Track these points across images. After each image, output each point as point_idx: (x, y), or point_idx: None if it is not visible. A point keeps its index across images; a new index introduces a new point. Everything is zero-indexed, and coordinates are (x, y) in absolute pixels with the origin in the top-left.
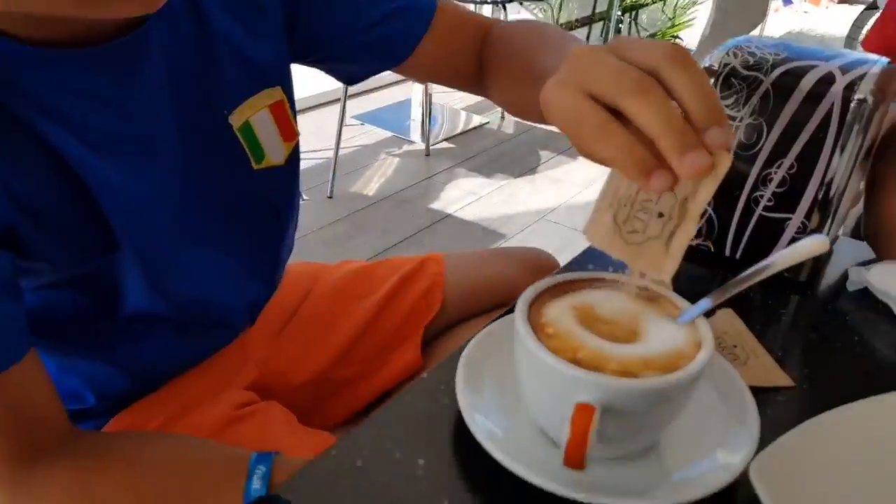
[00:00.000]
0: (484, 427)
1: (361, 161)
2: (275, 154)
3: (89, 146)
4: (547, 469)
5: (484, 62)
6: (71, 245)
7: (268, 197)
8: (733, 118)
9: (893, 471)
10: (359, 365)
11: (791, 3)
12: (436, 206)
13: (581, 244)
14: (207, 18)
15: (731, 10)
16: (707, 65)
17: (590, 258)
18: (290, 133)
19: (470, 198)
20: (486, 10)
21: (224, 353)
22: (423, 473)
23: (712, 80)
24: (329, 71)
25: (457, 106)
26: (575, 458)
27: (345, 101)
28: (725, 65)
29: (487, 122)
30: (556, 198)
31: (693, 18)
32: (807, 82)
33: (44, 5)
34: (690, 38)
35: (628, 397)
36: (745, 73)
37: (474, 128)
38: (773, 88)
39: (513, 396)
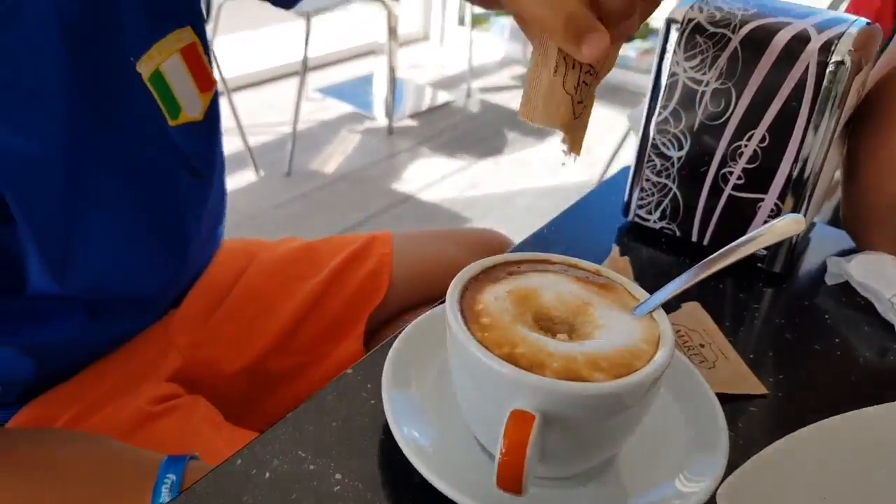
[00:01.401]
0: (411, 437)
1: (321, 137)
2: (191, 108)
3: None
4: (480, 490)
5: None
6: None
7: (185, 157)
8: (699, 82)
9: (876, 491)
10: (297, 355)
11: None
12: (397, 186)
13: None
14: None
15: None
16: (668, 16)
17: (542, 241)
18: (206, 82)
19: (432, 179)
20: None
21: (143, 338)
22: (340, 490)
23: (674, 37)
24: None
25: (421, 82)
26: (510, 478)
27: (304, 74)
28: (690, 20)
29: (453, 101)
30: (521, 181)
31: None
32: (779, 40)
33: None
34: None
35: (573, 405)
36: (712, 29)
37: (439, 106)
38: (742, 48)
39: (448, 401)
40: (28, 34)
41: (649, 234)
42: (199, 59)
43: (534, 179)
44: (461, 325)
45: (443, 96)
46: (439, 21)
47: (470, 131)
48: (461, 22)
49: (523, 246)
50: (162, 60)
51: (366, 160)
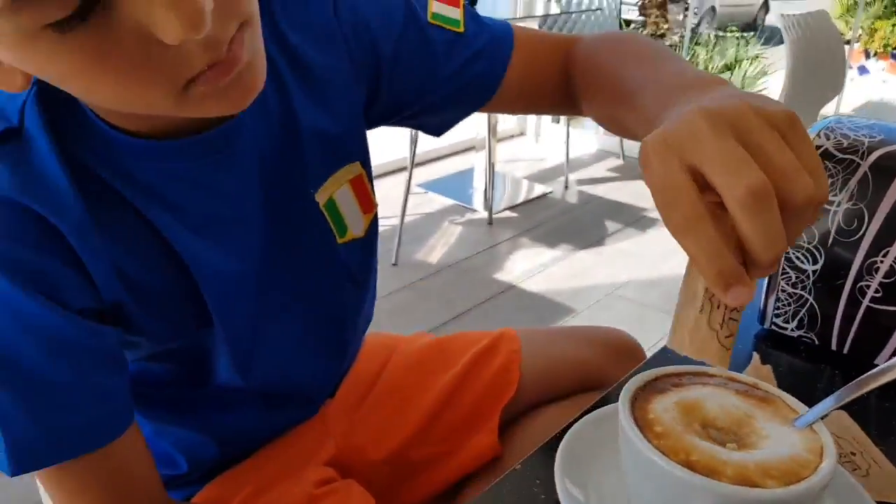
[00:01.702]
0: None
1: (425, 229)
2: (356, 226)
3: (188, 227)
4: None
5: (570, 81)
6: (169, 321)
7: (349, 268)
8: (830, 202)
9: None
10: (435, 445)
11: (867, 72)
12: (499, 276)
13: (655, 322)
14: (292, 105)
15: (807, 81)
16: None
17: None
18: (368, 205)
19: (534, 269)
20: None
21: (306, 426)
22: None
23: None
24: (415, 126)
25: (519, 175)
26: None
27: (412, 170)
28: (818, 147)
29: (551, 192)
30: (625, 272)
31: (764, 89)
32: None
33: (146, 107)
34: None
35: None
36: (840, 155)
37: (537, 197)
38: (872, 172)
39: (618, 497)
40: (236, 174)
41: (787, 341)
42: (364, 188)
43: (638, 270)
44: (638, 433)
45: (540, 188)
46: (534, 118)
47: (569, 222)
48: (555, 120)
49: (660, 355)
50: (335, 190)
51: (468, 250)
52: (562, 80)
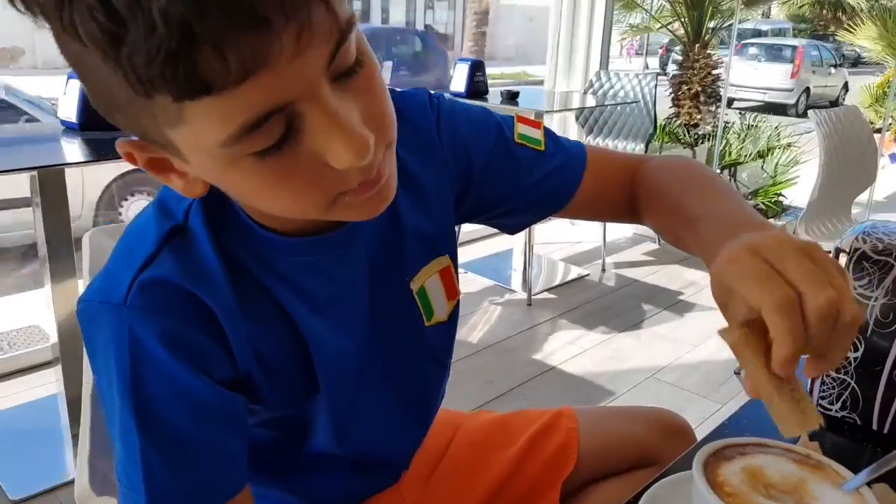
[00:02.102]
0: None
1: (465, 308)
2: (440, 311)
3: (310, 308)
4: None
5: (635, 198)
6: (286, 390)
7: (432, 349)
8: (868, 297)
9: None
10: None
11: None
12: (539, 357)
13: (695, 405)
14: (397, 208)
15: (840, 171)
16: (837, 246)
17: (735, 426)
18: (453, 292)
19: (573, 350)
20: None
21: (385, 494)
22: None
23: (843, 262)
24: (492, 225)
25: (556, 257)
26: None
27: None
28: (856, 249)
29: (588, 274)
30: (664, 356)
31: (797, 177)
32: None
33: (300, 213)
34: (793, 195)
35: None
36: (876, 257)
37: (575, 279)
38: None
39: None
40: (352, 265)
41: (832, 421)
42: (451, 277)
43: (677, 354)
44: (712, 492)
45: (578, 270)
46: None
47: (607, 305)
48: None
49: (715, 434)
50: (426, 279)
51: (508, 331)
52: (627, 197)
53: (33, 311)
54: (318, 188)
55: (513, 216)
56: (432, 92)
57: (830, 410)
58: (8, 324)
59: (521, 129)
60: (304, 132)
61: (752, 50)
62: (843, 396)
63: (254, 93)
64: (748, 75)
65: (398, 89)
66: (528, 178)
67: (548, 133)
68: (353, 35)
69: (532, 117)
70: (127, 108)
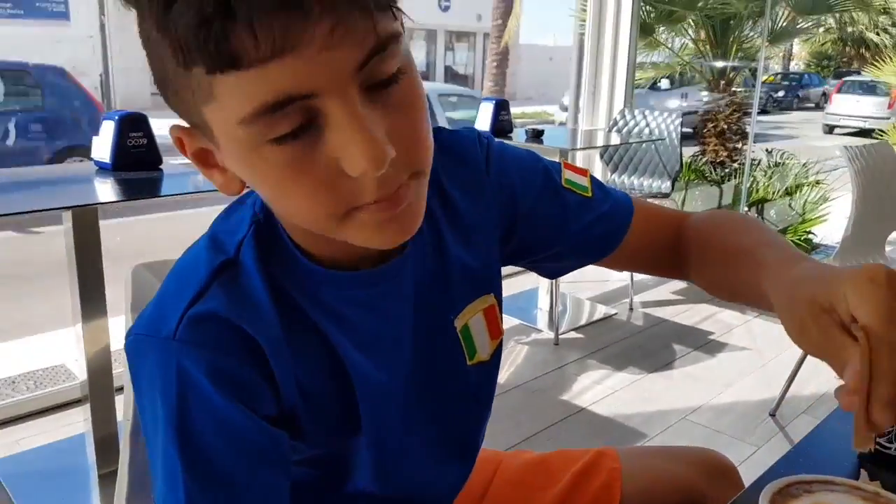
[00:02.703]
0: None
1: None
2: (483, 350)
3: (355, 343)
4: None
5: (682, 250)
6: (328, 427)
7: (474, 388)
8: None
9: None
10: None
11: None
12: (567, 397)
13: (729, 448)
14: (443, 244)
15: (873, 207)
16: None
17: (789, 464)
18: (496, 332)
19: (603, 391)
20: None
21: None
22: None
23: None
24: (532, 268)
25: (583, 296)
26: None
27: None
28: None
29: (616, 314)
30: (696, 396)
31: (826, 214)
32: None
33: (313, 222)
34: (824, 233)
35: None
36: None
37: (602, 318)
38: None
39: None
40: (398, 300)
41: (891, 460)
42: (495, 316)
43: (709, 395)
44: None
45: (605, 310)
46: None
47: (636, 345)
48: None
49: (769, 473)
50: (470, 317)
51: (535, 371)
52: (672, 249)
53: (56, 350)
54: (332, 193)
55: (556, 261)
56: (481, 131)
57: (889, 449)
58: (34, 363)
59: (567, 174)
60: (325, 129)
61: (850, 86)
62: None
63: (279, 75)
64: (850, 106)
65: (448, 128)
66: (575, 224)
67: (594, 181)
68: (397, 51)
69: (557, 156)
70: (174, 82)
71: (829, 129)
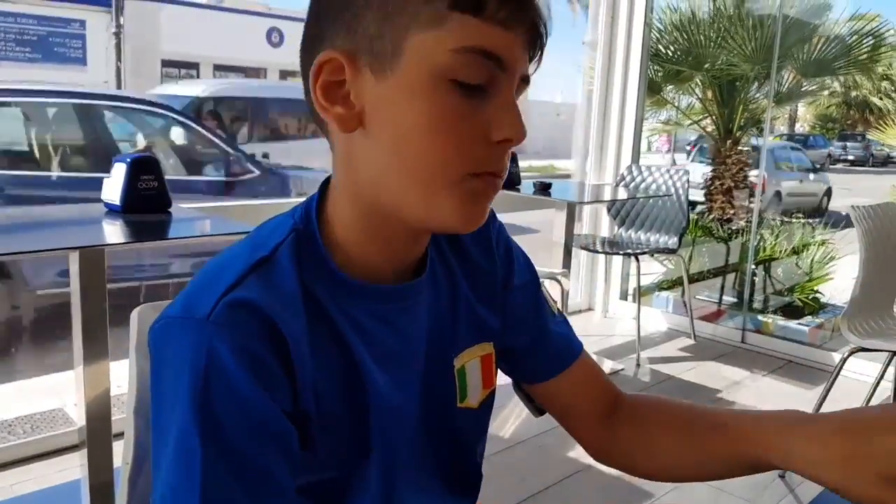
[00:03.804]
0: None
1: (497, 401)
2: (473, 397)
3: (374, 357)
4: None
5: (617, 420)
6: (337, 444)
7: (463, 433)
8: None
9: None
10: None
11: None
12: (573, 454)
13: None
14: (456, 287)
15: (881, 268)
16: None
17: None
18: (489, 382)
19: None
20: (617, 261)
21: None
22: None
23: None
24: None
25: (589, 350)
26: None
27: None
28: None
29: (622, 369)
30: None
31: (832, 272)
32: None
33: (429, 183)
34: (830, 292)
35: None
36: None
37: (609, 374)
38: None
39: None
40: (414, 321)
41: None
42: (491, 366)
43: None
44: None
45: (611, 364)
46: (601, 292)
47: None
48: (623, 297)
49: None
50: (468, 360)
51: (541, 427)
52: (603, 418)
53: (52, 394)
54: (468, 149)
55: (512, 356)
56: (496, 216)
57: None
58: (30, 406)
59: (545, 291)
60: (492, 97)
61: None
62: None
63: (498, 37)
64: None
65: None
66: (538, 325)
67: (561, 313)
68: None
69: (565, 209)
70: (391, 3)
71: None
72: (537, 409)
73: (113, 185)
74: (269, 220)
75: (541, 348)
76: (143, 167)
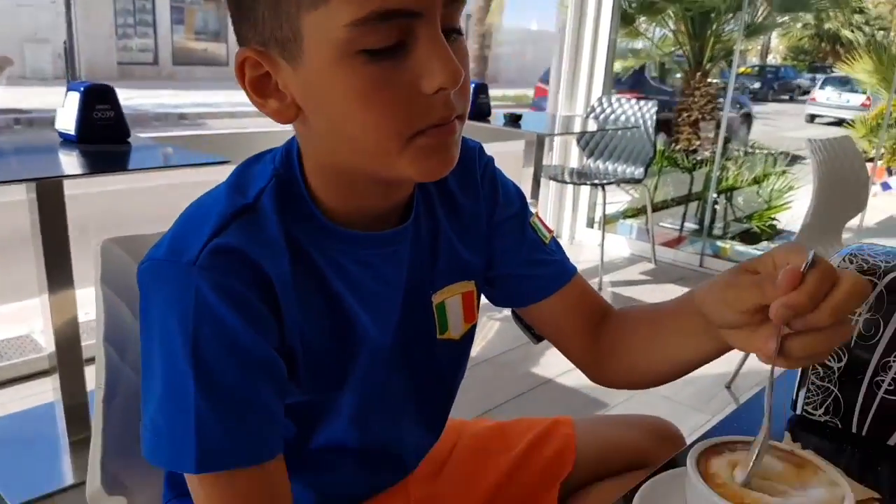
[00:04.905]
0: None
1: None
2: (455, 330)
3: (356, 296)
4: None
5: (605, 336)
6: (319, 375)
7: (442, 362)
8: (854, 312)
9: None
10: None
11: (890, 188)
12: (535, 370)
13: (687, 418)
14: (439, 229)
15: (832, 198)
16: None
17: (727, 430)
18: (471, 316)
19: (569, 365)
20: (585, 191)
21: (394, 490)
22: None
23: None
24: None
25: None
26: None
27: None
28: (843, 269)
29: None
30: None
31: (790, 202)
32: None
33: (375, 147)
34: (787, 219)
35: None
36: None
37: None
38: (886, 291)
39: None
40: (396, 266)
41: (815, 425)
42: (472, 303)
43: None
44: (705, 485)
45: None
46: (569, 221)
47: None
48: (589, 224)
49: (707, 436)
50: (448, 297)
51: (505, 346)
52: (592, 336)
53: (23, 320)
54: (406, 112)
55: (495, 286)
56: (483, 150)
57: (814, 415)
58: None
59: (535, 221)
60: (413, 50)
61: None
62: (827, 403)
63: None
64: (833, 98)
65: None
66: (525, 256)
67: (554, 240)
68: (462, 8)
69: (534, 140)
70: None
71: (811, 119)
72: (535, 337)
73: (67, 115)
74: (249, 160)
75: (530, 275)
76: (99, 96)
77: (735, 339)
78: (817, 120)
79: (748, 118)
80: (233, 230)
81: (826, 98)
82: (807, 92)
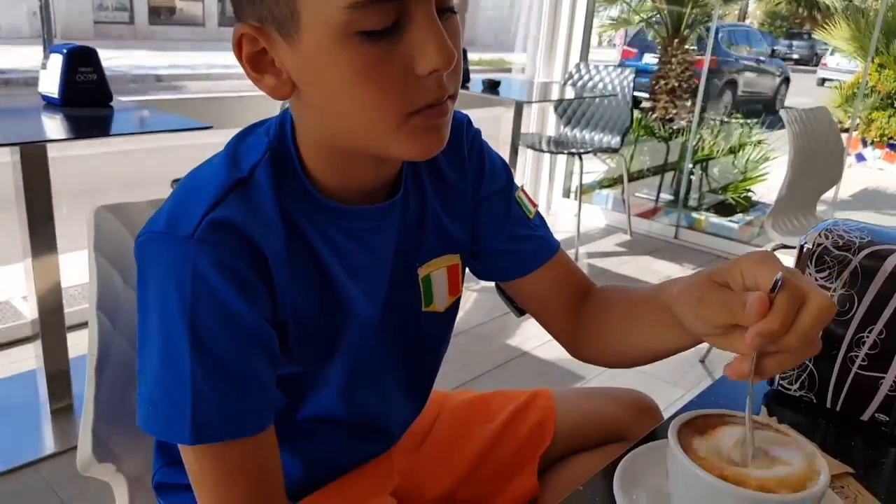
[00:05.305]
0: None
1: None
2: (440, 303)
3: (346, 270)
4: None
5: (585, 313)
6: (309, 347)
7: (427, 334)
8: (827, 288)
9: None
10: (481, 486)
11: (864, 159)
12: (513, 342)
13: (662, 391)
14: (427, 203)
15: (808, 169)
16: (802, 242)
17: (703, 404)
18: (455, 290)
19: (546, 336)
20: (561, 160)
21: (378, 460)
22: None
23: (809, 260)
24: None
25: None
26: None
27: None
28: (818, 244)
29: None
30: None
31: (766, 173)
32: (889, 263)
33: (369, 127)
34: (763, 191)
35: None
36: (836, 252)
37: None
38: (861, 267)
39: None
40: (385, 238)
41: (791, 400)
42: (457, 276)
43: None
44: (686, 457)
45: None
46: (545, 192)
47: None
48: (566, 194)
49: (686, 408)
50: (433, 270)
51: (483, 317)
52: (574, 313)
53: (2, 287)
54: (400, 93)
55: (479, 259)
56: (471, 122)
57: (790, 390)
58: None
59: (521, 195)
60: (407, 31)
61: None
62: (802, 378)
63: None
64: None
65: None
66: (510, 230)
67: (539, 214)
68: None
69: (513, 107)
70: None
71: (821, 82)
72: (518, 310)
73: (50, 77)
74: (242, 132)
75: (514, 250)
76: (81, 59)
77: (710, 340)
78: (827, 84)
79: (787, 82)
80: (229, 203)
81: (836, 63)
82: (782, 58)
